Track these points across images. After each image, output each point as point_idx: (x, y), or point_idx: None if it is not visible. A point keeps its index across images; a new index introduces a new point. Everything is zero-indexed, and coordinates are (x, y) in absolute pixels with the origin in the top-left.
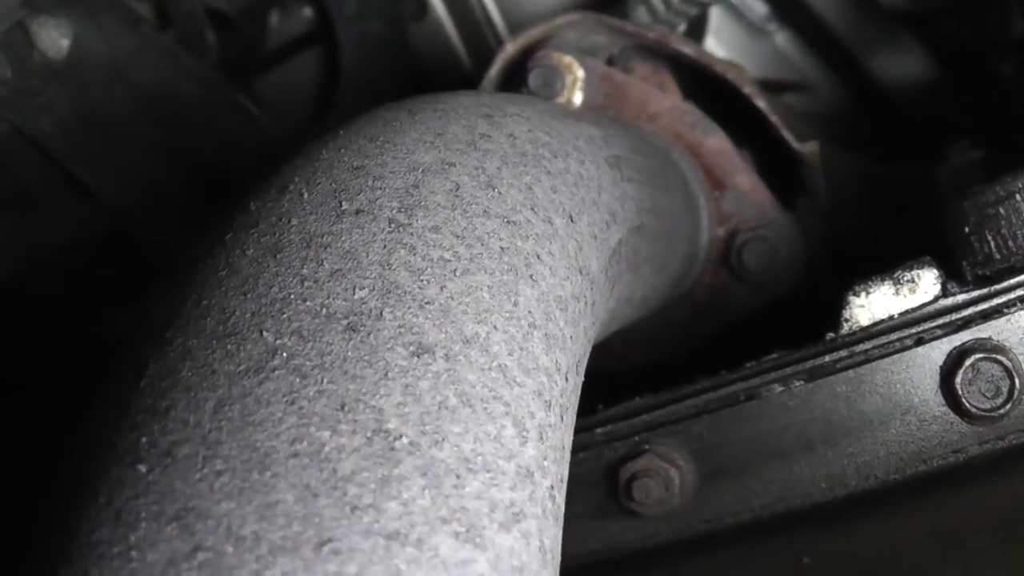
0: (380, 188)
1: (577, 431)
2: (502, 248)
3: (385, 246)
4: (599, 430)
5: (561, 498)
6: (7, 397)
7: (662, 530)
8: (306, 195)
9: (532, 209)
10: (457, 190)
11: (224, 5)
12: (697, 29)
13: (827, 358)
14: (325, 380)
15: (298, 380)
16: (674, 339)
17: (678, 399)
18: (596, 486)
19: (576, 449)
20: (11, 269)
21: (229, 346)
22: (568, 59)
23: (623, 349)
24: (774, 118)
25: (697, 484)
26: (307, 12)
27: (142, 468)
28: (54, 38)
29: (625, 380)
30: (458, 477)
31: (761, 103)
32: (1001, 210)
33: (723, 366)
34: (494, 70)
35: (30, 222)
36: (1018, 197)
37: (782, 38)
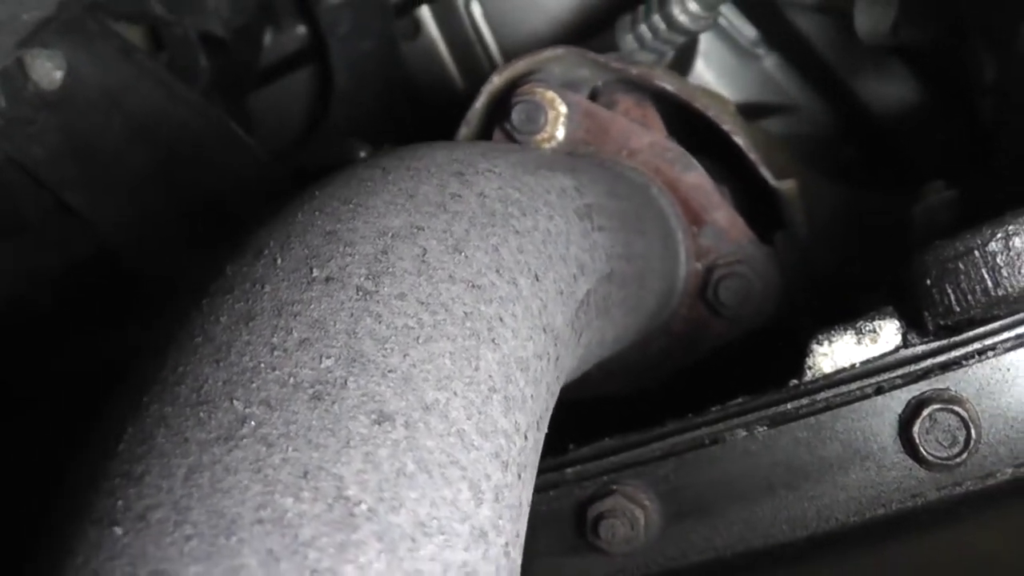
0: (350, 254)
1: (548, 470)
2: (465, 313)
3: (352, 315)
4: (569, 469)
5: (517, 553)
6: (4, 419)
7: (628, 567)
8: (279, 261)
9: (497, 271)
10: (424, 255)
11: (217, 28)
12: (686, 52)
13: (789, 405)
14: (290, 449)
15: (264, 448)
16: (652, 370)
17: (645, 442)
18: (566, 523)
19: (547, 487)
20: (7, 291)
21: (201, 414)
22: (551, 95)
23: (601, 379)
24: (753, 156)
25: (662, 524)
26: (301, 30)
27: (118, 531)
28: (48, 69)
29: (600, 409)
30: (413, 541)
31: (740, 140)
32: (960, 265)
33: (699, 397)
34: (479, 102)
35: (25, 245)
36: (976, 253)
37: (771, 61)
